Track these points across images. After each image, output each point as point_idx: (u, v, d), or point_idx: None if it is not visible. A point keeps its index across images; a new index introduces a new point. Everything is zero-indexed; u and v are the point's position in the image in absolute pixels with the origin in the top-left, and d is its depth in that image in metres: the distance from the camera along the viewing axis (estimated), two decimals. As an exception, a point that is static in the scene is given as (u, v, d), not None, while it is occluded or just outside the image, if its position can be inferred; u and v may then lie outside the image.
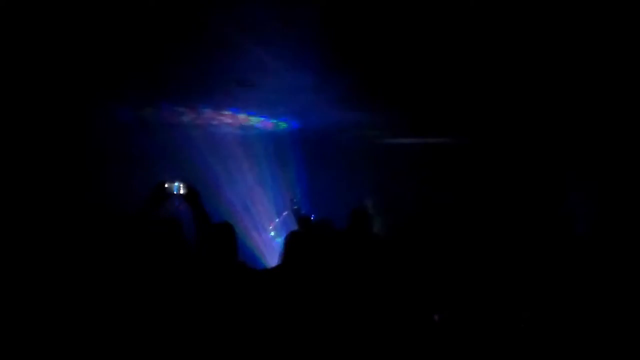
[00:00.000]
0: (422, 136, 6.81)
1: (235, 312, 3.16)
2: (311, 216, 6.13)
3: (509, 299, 3.97)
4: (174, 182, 3.45)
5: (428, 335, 3.74)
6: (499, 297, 4.02)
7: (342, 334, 3.38)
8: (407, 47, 3.93)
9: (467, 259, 4.51)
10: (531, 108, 5.39)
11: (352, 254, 3.94)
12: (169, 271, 3.22)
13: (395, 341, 3.56)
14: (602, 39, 3.66)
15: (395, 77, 4.67)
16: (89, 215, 4.02)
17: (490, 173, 6.28)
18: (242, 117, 6.13)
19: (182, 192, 3.46)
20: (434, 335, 3.76)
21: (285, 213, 6.71)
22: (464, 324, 3.84)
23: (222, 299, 3.17)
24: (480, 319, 3.84)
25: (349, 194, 6.34)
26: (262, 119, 6.38)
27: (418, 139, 6.87)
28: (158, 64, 4.13)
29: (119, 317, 3.04)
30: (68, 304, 3.09)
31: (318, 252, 3.61)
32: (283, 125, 6.76)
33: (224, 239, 3.35)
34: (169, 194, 3.44)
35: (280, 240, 6.27)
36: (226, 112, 5.90)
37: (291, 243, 3.59)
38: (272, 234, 6.82)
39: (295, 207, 6.39)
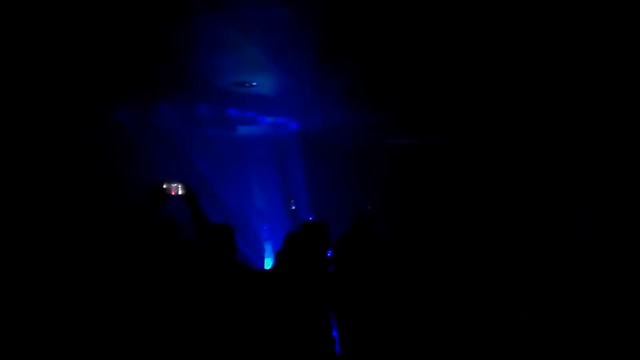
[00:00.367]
0: (414, 137, 6.85)
1: (234, 312, 3.16)
2: (309, 218, 6.14)
3: (509, 300, 3.98)
4: (172, 183, 3.44)
5: (430, 335, 3.74)
6: (499, 297, 4.02)
7: (340, 333, 3.38)
8: (400, 48, 3.94)
9: (467, 260, 4.52)
10: (517, 110, 5.43)
11: (355, 255, 3.95)
12: (167, 271, 3.21)
13: (395, 340, 3.57)
14: (580, 44, 3.71)
15: (387, 78, 4.70)
16: (88, 215, 4.03)
17: (493, 172, 6.27)
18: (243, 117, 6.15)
19: (180, 192, 3.45)
20: (436, 336, 3.76)
21: (293, 208, 6.72)
22: (464, 323, 3.84)
23: (221, 299, 3.17)
24: (480, 319, 3.84)
25: (342, 194, 6.36)
26: (261, 119, 6.39)
27: (407, 139, 6.91)
28: (157, 66, 4.14)
29: (118, 317, 3.03)
30: (67, 303, 3.09)
31: (317, 253, 3.61)
32: (282, 125, 6.77)
33: (223, 240, 3.34)
34: (167, 194, 3.44)
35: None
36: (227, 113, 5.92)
37: (289, 244, 3.59)
38: (293, 207, 6.79)
39: (293, 208, 6.40)
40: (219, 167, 6.23)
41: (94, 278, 3.15)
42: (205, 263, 3.30)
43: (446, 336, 3.78)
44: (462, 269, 4.36)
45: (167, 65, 4.14)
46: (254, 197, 6.99)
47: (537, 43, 3.75)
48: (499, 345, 3.71)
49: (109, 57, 3.85)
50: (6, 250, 3.67)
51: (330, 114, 5.88)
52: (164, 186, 3.43)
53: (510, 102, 5.24)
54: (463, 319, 3.83)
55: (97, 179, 4.80)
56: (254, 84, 4.81)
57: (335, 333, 3.54)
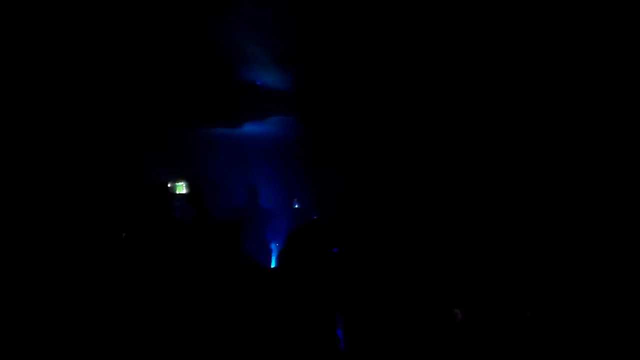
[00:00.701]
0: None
1: (241, 310, 3.17)
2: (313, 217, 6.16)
3: (511, 299, 3.98)
4: (177, 182, 3.46)
5: (430, 335, 3.75)
6: (501, 296, 4.02)
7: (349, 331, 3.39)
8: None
9: (468, 260, 4.52)
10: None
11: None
12: (172, 270, 3.22)
13: (395, 340, 3.57)
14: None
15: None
16: (94, 215, 4.04)
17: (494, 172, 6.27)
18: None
19: (185, 191, 3.47)
20: (436, 336, 3.77)
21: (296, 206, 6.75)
22: (465, 324, 3.84)
23: (225, 297, 3.18)
24: (481, 318, 3.85)
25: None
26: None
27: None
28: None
29: (123, 316, 3.05)
30: (73, 302, 3.10)
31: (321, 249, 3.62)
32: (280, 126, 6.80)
33: (230, 238, 3.36)
34: (172, 193, 3.45)
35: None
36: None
37: (293, 240, 3.60)
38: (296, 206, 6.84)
39: (296, 207, 6.43)
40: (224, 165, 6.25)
41: (100, 277, 3.17)
42: (210, 262, 3.32)
43: (447, 336, 3.78)
44: (462, 269, 4.37)
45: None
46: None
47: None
48: (500, 345, 3.71)
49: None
50: (10, 248, 3.69)
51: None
52: (169, 185, 3.45)
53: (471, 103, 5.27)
54: (467, 318, 3.84)
55: (103, 179, 4.82)
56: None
57: (339, 331, 3.55)
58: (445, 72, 4.63)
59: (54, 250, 3.66)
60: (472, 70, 4.61)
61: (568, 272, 4.07)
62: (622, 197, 4.85)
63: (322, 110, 5.99)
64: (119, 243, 3.35)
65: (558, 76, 4.77)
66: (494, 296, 4.03)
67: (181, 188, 3.44)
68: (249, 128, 6.39)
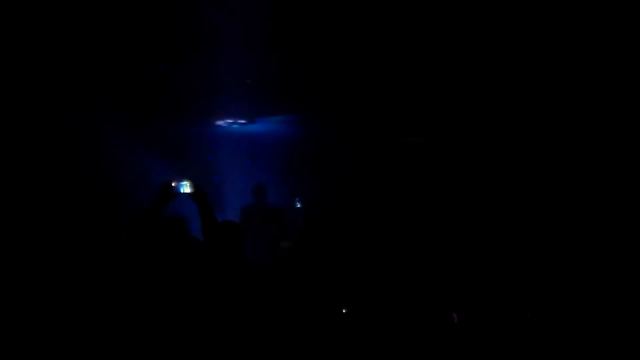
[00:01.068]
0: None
1: (241, 310, 3.18)
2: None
3: (512, 300, 3.99)
4: (181, 181, 3.44)
5: (427, 335, 3.76)
6: (502, 298, 4.04)
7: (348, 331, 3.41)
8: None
9: (468, 260, 4.53)
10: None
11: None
12: (175, 270, 3.23)
13: (395, 340, 3.59)
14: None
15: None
16: (96, 213, 4.04)
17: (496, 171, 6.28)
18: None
19: (188, 190, 3.45)
20: (433, 336, 3.78)
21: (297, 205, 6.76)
22: (465, 324, 3.86)
23: (228, 297, 3.19)
24: (482, 320, 3.86)
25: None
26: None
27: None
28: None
29: (125, 315, 3.05)
30: (75, 302, 3.10)
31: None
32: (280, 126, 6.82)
33: (230, 238, 3.36)
34: (175, 192, 3.43)
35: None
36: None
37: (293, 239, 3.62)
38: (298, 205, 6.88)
39: (297, 206, 6.44)
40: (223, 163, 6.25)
41: (103, 276, 3.17)
42: (213, 261, 3.32)
43: (448, 336, 3.80)
44: (463, 269, 4.39)
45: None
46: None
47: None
48: (502, 346, 3.72)
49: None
50: (12, 247, 3.69)
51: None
52: (172, 184, 3.43)
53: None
54: (468, 319, 3.85)
55: (104, 177, 4.83)
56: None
57: (339, 332, 3.57)
58: (445, 72, 4.64)
59: (53, 250, 3.66)
60: (472, 70, 4.63)
61: (569, 273, 4.09)
62: (622, 197, 4.88)
63: (322, 110, 6.00)
64: (119, 243, 3.35)
65: (558, 76, 4.79)
66: (495, 298, 4.04)
67: (186, 187, 3.43)
68: (253, 127, 6.40)
